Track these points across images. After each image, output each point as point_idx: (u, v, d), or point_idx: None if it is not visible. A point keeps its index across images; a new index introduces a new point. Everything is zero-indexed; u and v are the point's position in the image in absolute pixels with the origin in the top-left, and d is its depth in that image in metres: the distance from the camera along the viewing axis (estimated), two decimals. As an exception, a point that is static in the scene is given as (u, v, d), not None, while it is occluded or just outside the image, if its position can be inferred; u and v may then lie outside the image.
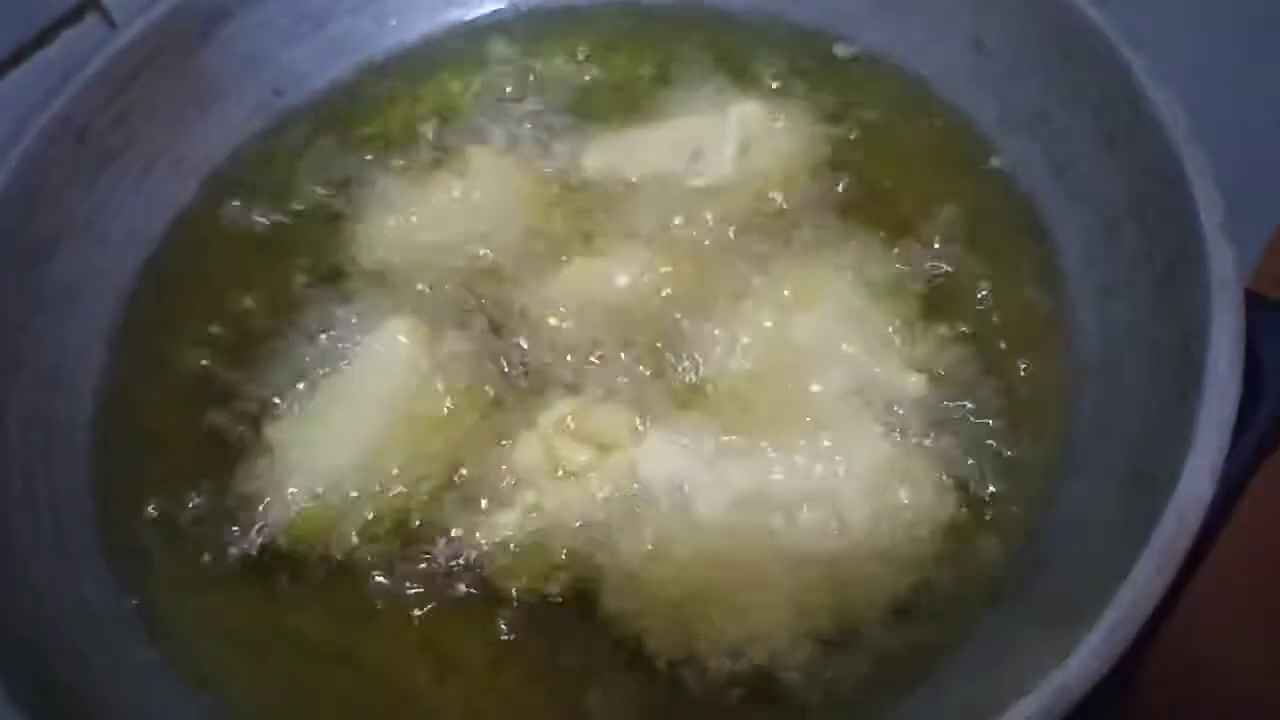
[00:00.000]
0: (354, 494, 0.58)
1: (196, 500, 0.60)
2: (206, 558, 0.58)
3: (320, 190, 0.73)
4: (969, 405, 0.57)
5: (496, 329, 0.63)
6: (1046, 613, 0.48)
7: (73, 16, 0.72)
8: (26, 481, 0.60)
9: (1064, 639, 0.43)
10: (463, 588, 0.56)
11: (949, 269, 0.63)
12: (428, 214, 0.69)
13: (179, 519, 0.60)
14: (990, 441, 0.56)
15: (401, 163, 0.73)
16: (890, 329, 0.60)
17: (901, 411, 0.57)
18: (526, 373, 0.61)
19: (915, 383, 0.57)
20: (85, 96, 0.68)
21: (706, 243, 0.65)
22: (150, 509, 0.60)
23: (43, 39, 0.72)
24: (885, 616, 0.52)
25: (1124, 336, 0.57)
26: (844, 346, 0.58)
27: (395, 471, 0.58)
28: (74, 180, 0.68)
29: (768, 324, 0.60)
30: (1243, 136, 0.95)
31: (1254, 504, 0.64)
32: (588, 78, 0.77)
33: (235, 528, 0.59)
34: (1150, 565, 0.44)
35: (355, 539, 0.57)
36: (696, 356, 0.60)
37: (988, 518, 0.54)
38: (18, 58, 0.71)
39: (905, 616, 0.52)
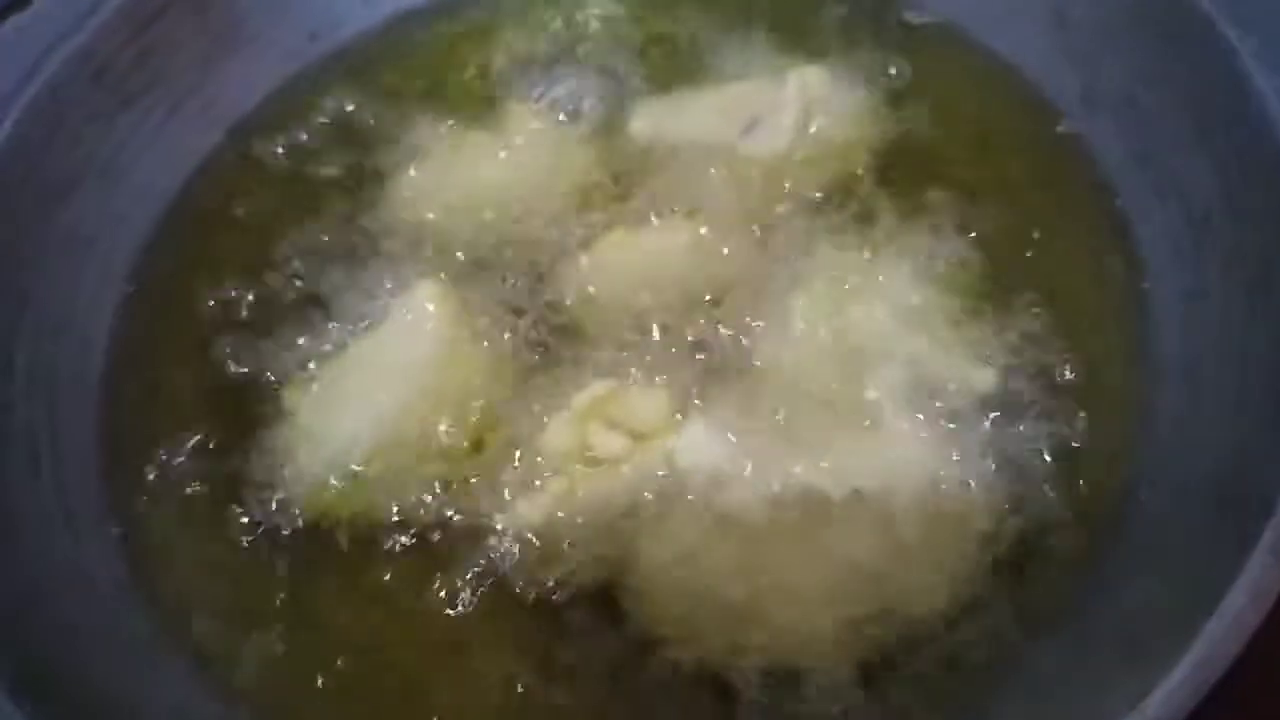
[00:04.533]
0: (370, 469, 0.56)
1: (208, 466, 0.59)
2: (215, 527, 0.57)
3: (352, 143, 0.71)
4: (1037, 408, 0.54)
5: (530, 299, 0.61)
6: (1116, 643, 0.46)
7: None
8: (29, 437, 0.58)
9: (1139, 675, 0.40)
10: (481, 575, 0.54)
11: (1020, 261, 0.60)
12: (462, 172, 0.67)
13: (189, 484, 0.59)
14: (1059, 447, 0.53)
15: (438, 117, 0.70)
16: (955, 320, 0.57)
17: (962, 411, 0.54)
18: (561, 349, 0.59)
19: (984, 377, 0.54)
20: (106, 32, 0.65)
21: (758, 218, 0.62)
22: (159, 472, 0.59)
23: (67, -33, 0.69)
24: (932, 636, 0.49)
25: (1210, 343, 0.54)
26: (905, 336, 0.55)
27: (416, 448, 0.56)
28: (92, 121, 0.66)
29: (823, 308, 0.57)
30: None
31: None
32: (638, 35, 0.74)
33: (246, 497, 0.57)
34: (1241, 598, 0.41)
35: (369, 516, 0.55)
36: (743, 341, 0.58)
37: (1052, 534, 0.51)
38: (40, -13, 0.68)
39: (956, 638, 0.49)
